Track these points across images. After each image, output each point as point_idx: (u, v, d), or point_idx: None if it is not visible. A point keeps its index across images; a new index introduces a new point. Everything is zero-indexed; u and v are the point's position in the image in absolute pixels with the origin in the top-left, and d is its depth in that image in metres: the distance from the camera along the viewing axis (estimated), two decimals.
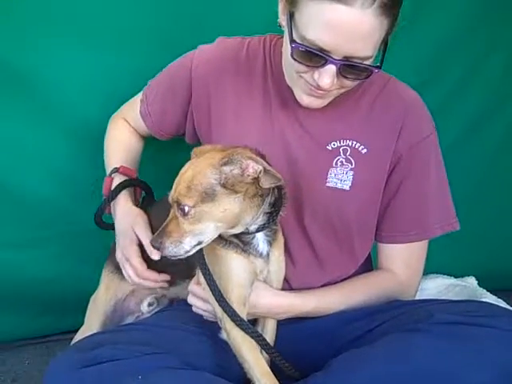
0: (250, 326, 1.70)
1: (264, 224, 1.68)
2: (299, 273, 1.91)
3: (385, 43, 1.66)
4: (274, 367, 1.71)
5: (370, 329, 1.77)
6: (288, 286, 1.91)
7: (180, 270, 1.86)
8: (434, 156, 1.90)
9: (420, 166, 1.87)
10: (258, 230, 1.69)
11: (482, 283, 2.68)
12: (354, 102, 1.85)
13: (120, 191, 1.99)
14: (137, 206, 2.02)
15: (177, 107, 2.02)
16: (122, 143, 2.15)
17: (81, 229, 2.44)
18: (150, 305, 2.01)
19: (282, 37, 1.83)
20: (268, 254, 1.74)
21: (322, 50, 1.58)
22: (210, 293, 1.69)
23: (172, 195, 1.58)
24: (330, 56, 1.58)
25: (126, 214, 1.96)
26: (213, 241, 1.65)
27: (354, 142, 1.84)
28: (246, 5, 2.29)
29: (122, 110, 2.22)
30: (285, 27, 1.68)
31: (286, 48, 1.69)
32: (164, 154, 2.32)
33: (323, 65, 1.60)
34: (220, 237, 1.68)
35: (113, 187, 2.01)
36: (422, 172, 1.88)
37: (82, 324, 2.13)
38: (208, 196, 1.54)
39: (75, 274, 2.53)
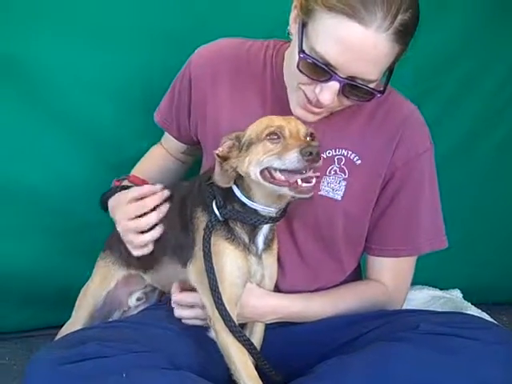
0: (241, 330, 1.70)
1: (281, 212, 1.71)
2: (286, 277, 1.91)
3: (390, 70, 1.67)
4: (258, 371, 1.71)
5: (356, 337, 1.78)
6: (276, 290, 1.89)
7: (172, 256, 1.85)
8: (429, 172, 1.90)
9: (415, 181, 1.87)
10: (271, 220, 1.70)
11: (466, 296, 2.71)
12: (352, 112, 1.83)
13: (118, 191, 1.99)
14: None
15: (186, 112, 2.04)
16: (147, 159, 2.23)
17: (69, 223, 2.46)
18: (138, 299, 2.03)
19: (286, 42, 1.85)
20: (261, 255, 1.75)
21: (328, 65, 1.57)
22: (208, 292, 1.69)
23: (294, 127, 1.62)
24: (335, 73, 1.58)
25: (119, 195, 1.95)
26: (218, 234, 1.69)
27: (350, 152, 1.84)
28: (252, 6, 2.31)
29: (162, 139, 2.27)
30: (294, 36, 1.68)
31: (292, 57, 1.68)
32: None
33: (327, 80, 1.60)
34: (227, 230, 1.70)
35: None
36: (416, 187, 1.88)
37: (65, 320, 2.11)
38: None
39: (60, 269, 2.52)
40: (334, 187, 1.84)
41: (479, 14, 2.52)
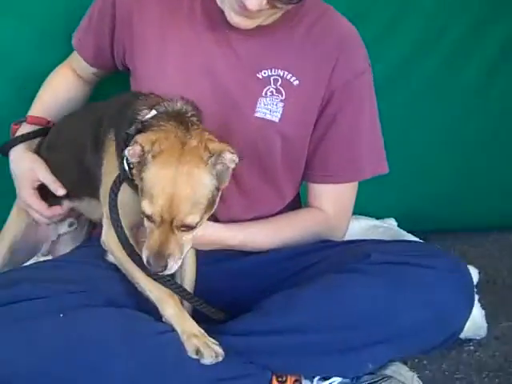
0: (166, 276, 1.64)
1: None
2: (224, 206, 1.86)
3: None
4: (196, 313, 1.70)
5: (301, 269, 1.79)
6: (215, 220, 1.86)
7: (83, 186, 1.87)
8: (368, 94, 1.92)
9: (354, 102, 1.88)
10: None
11: (401, 225, 2.74)
12: (288, 29, 1.83)
13: (19, 143, 1.99)
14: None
15: (107, 35, 1.96)
16: (48, 89, 2.13)
17: None
18: (71, 225, 2.03)
19: None
20: None
21: None
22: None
23: (168, 216, 1.45)
24: None
25: (22, 158, 1.97)
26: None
27: (286, 73, 1.83)
28: None
29: (69, 58, 2.17)
30: None
31: None
32: None
33: None
34: None
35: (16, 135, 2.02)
36: (356, 109, 1.89)
37: None
38: (210, 204, 1.53)
39: None
40: (271, 108, 1.83)
41: None
